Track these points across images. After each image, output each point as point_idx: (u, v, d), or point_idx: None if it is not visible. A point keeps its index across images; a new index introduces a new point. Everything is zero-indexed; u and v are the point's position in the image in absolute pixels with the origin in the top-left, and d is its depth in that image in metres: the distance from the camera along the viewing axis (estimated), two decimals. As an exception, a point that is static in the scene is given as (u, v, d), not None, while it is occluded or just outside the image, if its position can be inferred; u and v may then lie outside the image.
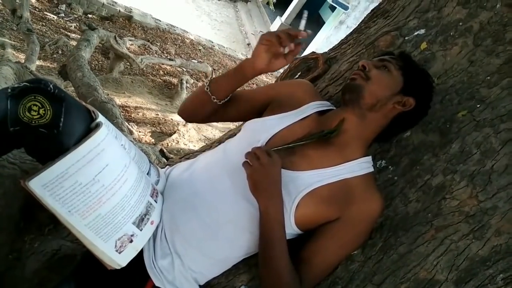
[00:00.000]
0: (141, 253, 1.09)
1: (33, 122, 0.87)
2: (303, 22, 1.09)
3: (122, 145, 1.05)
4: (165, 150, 2.88)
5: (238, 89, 1.25)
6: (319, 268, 1.10)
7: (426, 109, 1.17)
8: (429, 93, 1.16)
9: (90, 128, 0.96)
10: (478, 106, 1.20)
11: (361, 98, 1.10)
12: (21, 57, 4.95)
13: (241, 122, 1.41)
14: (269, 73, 10.23)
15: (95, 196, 0.94)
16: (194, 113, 1.28)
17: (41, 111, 0.87)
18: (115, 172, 0.98)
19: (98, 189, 0.94)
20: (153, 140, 4.21)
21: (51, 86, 0.90)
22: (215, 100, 1.19)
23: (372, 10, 1.64)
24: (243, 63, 1.13)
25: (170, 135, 4.40)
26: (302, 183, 1.07)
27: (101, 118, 1.00)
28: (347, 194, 1.08)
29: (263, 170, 1.01)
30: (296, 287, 1.04)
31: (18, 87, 0.88)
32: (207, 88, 1.19)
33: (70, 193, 0.91)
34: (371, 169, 1.14)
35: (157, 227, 1.12)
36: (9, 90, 0.87)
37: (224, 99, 1.21)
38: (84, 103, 1.00)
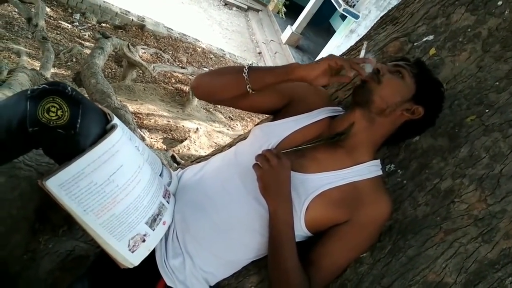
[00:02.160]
0: (153, 253, 1.11)
1: (51, 123, 0.90)
2: (362, 52, 1.14)
3: (136, 146, 1.08)
4: (176, 156, 2.91)
5: None
6: (328, 270, 1.11)
7: (434, 119, 1.17)
8: (439, 103, 1.16)
9: (105, 130, 0.99)
10: (487, 111, 1.21)
11: (371, 101, 1.10)
12: (36, 64, 5.05)
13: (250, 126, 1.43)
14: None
15: (109, 196, 0.97)
16: (216, 91, 1.21)
17: (59, 112, 0.90)
18: (129, 173, 1.00)
19: (112, 189, 0.97)
20: (164, 146, 4.25)
21: (69, 88, 0.93)
22: (249, 89, 1.13)
23: (381, 17, 1.65)
24: (293, 66, 1.09)
25: (182, 141, 4.44)
26: (311, 185, 1.09)
27: (116, 120, 1.02)
28: (356, 197, 1.09)
29: (272, 172, 1.03)
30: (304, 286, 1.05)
31: (37, 89, 0.91)
32: (245, 74, 1.13)
33: (85, 193, 0.94)
34: (380, 172, 1.15)
35: (169, 228, 1.15)
36: (29, 92, 0.91)
37: (256, 90, 1.15)
38: (100, 106, 1.03)
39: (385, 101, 1.10)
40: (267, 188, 1.04)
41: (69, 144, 0.93)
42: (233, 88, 1.16)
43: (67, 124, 0.91)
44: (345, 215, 1.09)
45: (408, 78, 1.11)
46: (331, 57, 1.05)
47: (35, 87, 0.91)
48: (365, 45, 1.15)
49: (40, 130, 0.90)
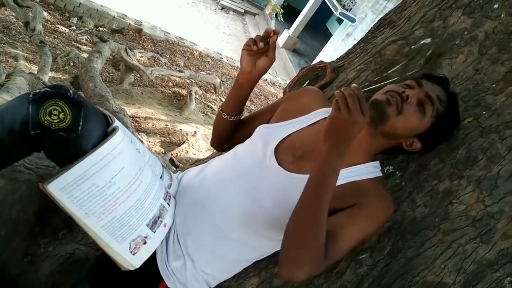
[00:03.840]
0: (154, 255, 1.12)
1: (53, 126, 0.91)
2: (272, 22, 1.17)
3: (137, 149, 1.09)
4: (174, 159, 2.92)
5: (255, 112, 1.38)
6: (342, 244, 1.01)
7: (427, 152, 1.18)
8: (437, 145, 1.17)
9: (107, 132, 1.00)
10: (484, 113, 1.22)
11: (382, 124, 1.07)
12: (34, 68, 5.05)
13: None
14: (280, 85, 10.28)
15: (111, 198, 0.97)
16: (218, 137, 1.38)
17: (61, 115, 0.91)
18: (130, 175, 1.01)
19: (114, 191, 0.97)
20: (162, 150, 4.25)
21: (71, 91, 0.94)
22: (225, 117, 1.29)
23: (378, 21, 1.67)
24: (238, 74, 1.23)
25: (179, 145, 4.44)
26: None
27: (117, 123, 1.03)
28: (359, 192, 1.07)
29: (346, 122, 0.92)
30: (322, 254, 0.94)
31: (39, 92, 0.92)
32: (219, 108, 1.31)
33: (87, 196, 0.94)
34: (380, 174, 1.15)
35: (169, 230, 1.15)
36: (31, 95, 0.91)
37: (234, 115, 1.30)
38: (101, 109, 1.04)
39: (394, 130, 1.08)
40: (331, 131, 0.94)
41: (71, 147, 0.93)
42: (220, 126, 1.34)
43: (69, 127, 0.92)
44: (350, 203, 1.06)
45: (428, 117, 1.07)
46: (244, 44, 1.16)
47: (37, 90, 0.92)
48: (273, 17, 1.19)
49: (42, 133, 0.91)
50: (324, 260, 0.95)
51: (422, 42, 1.38)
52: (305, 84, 1.62)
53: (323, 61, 1.63)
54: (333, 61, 1.67)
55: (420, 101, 1.06)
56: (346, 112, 0.91)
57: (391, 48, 1.43)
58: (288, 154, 1.14)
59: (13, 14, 5.82)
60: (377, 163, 1.16)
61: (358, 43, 1.68)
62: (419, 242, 1.16)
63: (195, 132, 4.79)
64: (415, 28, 1.42)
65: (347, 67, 1.56)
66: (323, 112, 1.23)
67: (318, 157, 0.96)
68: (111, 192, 0.97)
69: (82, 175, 0.93)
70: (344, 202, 1.06)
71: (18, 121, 0.90)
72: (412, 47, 1.39)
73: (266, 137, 1.20)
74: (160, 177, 1.19)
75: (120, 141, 1.00)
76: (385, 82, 1.24)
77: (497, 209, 1.12)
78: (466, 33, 1.32)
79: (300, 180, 1.09)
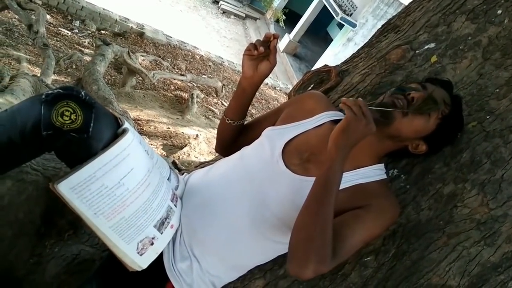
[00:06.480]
0: (161, 256, 1.12)
1: (65, 126, 0.92)
2: (271, 27, 1.19)
3: (145, 150, 1.09)
4: (177, 162, 2.93)
5: (259, 117, 1.40)
6: (348, 243, 1.01)
7: (433, 154, 1.19)
8: (442, 147, 1.18)
9: (117, 134, 1.01)
10: (487, 117, 1.23)
11: (387, 126, 1.09)
12: (36, 71, 5.07)
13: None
14: (281, 89, 10.30)
15: (120, 199, 0.98)
16: (222, 142, 1.40)
17: (72, 116, 0.92)
18: (139, 176, 1.02)
19: (122, 192, 0.98)
20: (164, 153, 4.27)
21: (82, 93, 0.95)
22: (229, 122, 1.31)
23: (382, 26, 1.68)
24: (240, 79, 1.25)
25: (181, 148, 4.45)
26: None
27: (127, 124, 1.04)
28: (366, 194, 1.08)
29: (362, 126, 0.97)
30: (329, 251, 0.94)
31: (52, 93, 0.93)
32: (222, 113, 1.33)
33: (96, 196, 0.95)
34: (385, 176, 1.16)
35: (176, 231, 1.16)
36: (43, 96, 0.92)
37: (238, 120, 1.31)
38: (111, 111, 1.05)
39: (400, 132, 1.10)
40: (346, 130, 0.98)
41: (81, 148, 0.94)
42: (224, 131, 1.36)
43: (81, 128, 0.93)
44: (357, 205, 1.06)
45: (433, 119, 1.09)
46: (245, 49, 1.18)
47: (50, 92, 0.93)
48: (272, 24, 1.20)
49: (53, 134, 0.92)
50: (331, 258, 0.95)
51: (426, 47, 1.40)
52: (309, 88, 1.63)
53: (327, 65, 1.65)
54: (338, 65, 1.68)
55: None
56: (363, 117, 0.97)
57: (396, 52, 1.44)
58: (295, 156, 1.15)
59: (16, 16, 5.85)
60: (382, 165, 1.17)
61: (362, 47, 1.70)
62: (424, 245, 1.17)
63: (197, 135, 4.80)
64: (419, 33, 1.44)
65: (351, 71, 1.58)
66: (328, 115, 1.24)
67: (327, 155, 0.99)
68: (120, 193, 0.98)
69: (92, 175, 0.94)
70: (351, 205, 1.06)
71: (30, 122, 0.91)
72: (417, 51, 1.41)
73: (273, 139, 1.21)
74: (168, 179, 1.20)
75: (130, 142, 1.01)
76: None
77: (501, 213, 1.13)
78: (470, 38, 1.33)
79: (307, 183, 1.10)
